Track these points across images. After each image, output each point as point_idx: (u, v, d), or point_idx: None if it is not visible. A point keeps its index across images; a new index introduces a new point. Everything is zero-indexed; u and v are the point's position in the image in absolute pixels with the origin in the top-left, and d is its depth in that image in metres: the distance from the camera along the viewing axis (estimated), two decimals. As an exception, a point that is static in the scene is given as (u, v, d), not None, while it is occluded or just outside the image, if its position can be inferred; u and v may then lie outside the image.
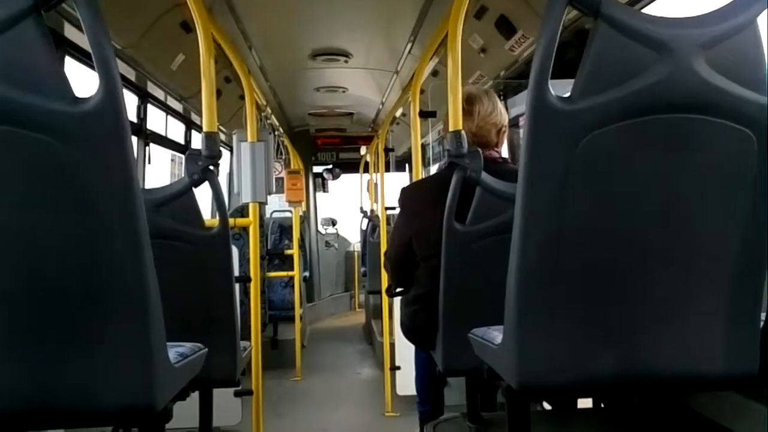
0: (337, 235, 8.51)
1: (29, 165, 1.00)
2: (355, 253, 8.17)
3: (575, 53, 1.05)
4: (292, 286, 5.11)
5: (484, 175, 1.73)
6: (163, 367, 1.12)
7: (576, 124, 1.04)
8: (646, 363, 1.13)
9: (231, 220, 2.16)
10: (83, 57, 2.67)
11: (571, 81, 1.06)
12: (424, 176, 2.98)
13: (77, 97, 0.99)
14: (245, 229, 3.91)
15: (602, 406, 2.02)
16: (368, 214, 6.28)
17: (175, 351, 1.25)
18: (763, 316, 1.17)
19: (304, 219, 6.87)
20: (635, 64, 1.04)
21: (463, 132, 1.77)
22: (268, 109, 4.62)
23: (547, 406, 2.33)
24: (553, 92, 1.04)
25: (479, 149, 1.76)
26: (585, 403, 2.02)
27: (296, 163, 5.91)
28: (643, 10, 2.34)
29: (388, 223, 4.02)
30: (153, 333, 1.07)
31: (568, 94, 1.05)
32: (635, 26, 1.03)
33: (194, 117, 4.54)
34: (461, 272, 1.76)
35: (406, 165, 7.74)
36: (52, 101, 0.97)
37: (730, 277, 1.12)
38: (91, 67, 0.99)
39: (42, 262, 1.04)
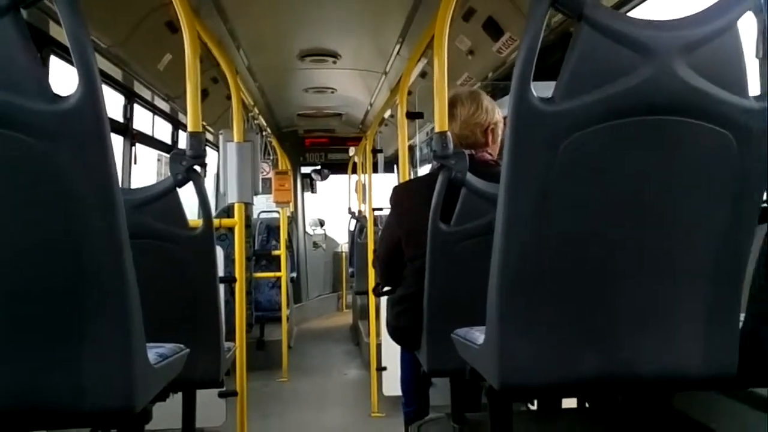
0: (325, 235, 8.50)
1: (7, 164, 0.99)
2: (343, 254, 8.16)
3: (561, 56, 1.06)
4: (280, 287, 5.09)
5: (470, 176, 1.73)
6: (142, 368, 1.11)
7: (558, 126, 1.05)
8: (627, 363, 1.14)
9: (216, 221, 2.15)
10: (69, 56, 2.65)
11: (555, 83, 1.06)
12: (411, 177, 2.98)
13: (56, 95, 0.98)
14: (231, 229, 3.90)
15: (586, 405, 2.03)
16: (356, 215, 6.28)
17: (155, 352, 1.24)
18: (741, 317, 1.18)
19: (292, 220, 6.86)
20: (617, 66, 1.04)
21: (449, 133, 1.77)
22: (256, 110, 4.61)
23: (532, 406, 2.34)
24: (535, 93, 1.04)
25: (464, 150, 1.77)
26: (570, 403, 2.03)
27: (284, 163, 5.90)
28: (630, 14, 2.36)
29: (375, 224, 4.01)
30: (132, 333, 1.06)
31: (550, 96, 1.06)
32: (618, 29, 1.04)
33: (181, 117, 4.52)
34: (445, 273, 1.76)
35: (395, 166, 7.75)
36: (30, 100, 0.96)
37: (709, 278, 1.13)
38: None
39: (20, 261, 1.03)
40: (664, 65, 1.04)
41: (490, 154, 2.05)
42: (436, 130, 1.81)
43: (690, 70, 1.05)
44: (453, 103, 2.00)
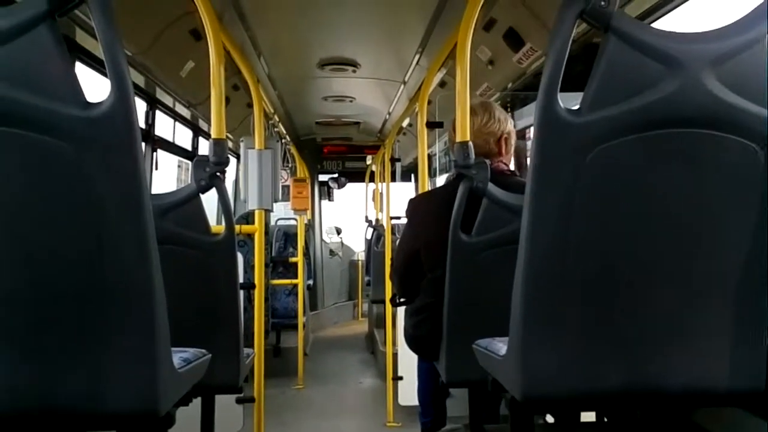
0: (342, 243, 8.51)
1: (40, 168, 1.01)
2: (360, 262, 8.16)
3: (583, 67, 1.06)
4: (296, 294, 5.10)
5: (491, 186, 1.73)
6: (167, 372, 1.12)
7: (584, 137, 1.05)
8: (653, 376, 1.13)
9: (237, 227, 2.17)
10: (94, 63, 2.69)
11: (579, 94, 1.06)
12: (430, 187, 2.99)
13: (89, 102, 1.00)
14: (250, 236, 3.92)
15: (605, 420, 2.01)
16: (373, 223, 6.29)
17: (179, 356, 1.25)
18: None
19: (309, 227, 6.87)
20: (645, 78, 1.04)
21: (470, 143, 1.77)
22: (276, 117, 4.64)
23: (550, 419, 2.32)
24: (562, 105, 1.04)
25: (486, 160, 1.77)
26: (588, 416, 2.01)
27: (302, 171, 5.92)
28: (653, 25, 2.35)
29: (393, 233, 4.02)
30: (158, 337, 1.08)
31: (576, 107, 1.05)
32: (645, 41, 1.04)
33: (202, 124, 4.56)
34: (466, 283, 1.76)
35: (412, 175, 7.75)
36: (64, 105, 0.98)
37: (736, 292, 1.12)
38: (102, 72, 1.01)
39: (50, 265, 1.04)
40: (692, 78, 1.03)
41: (505, 164, 2.06)
42: (458, 139, 1.81)
43: (718, 83, 1.04)
44: None
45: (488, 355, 1.36)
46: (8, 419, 1.08)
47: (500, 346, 1.29)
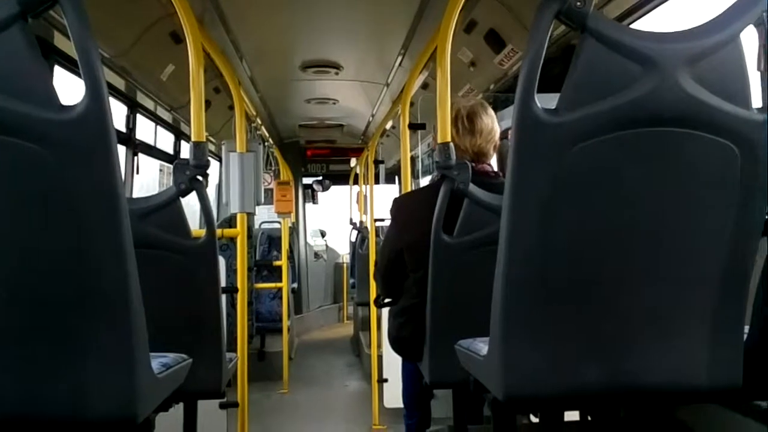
0: (326, 246, 8.49)
1: (13, 171, 0.99)
2: (344, 265, 8.15)
3: (562, 68, 1.06)
4: (281, 298, 5.08)
5: (472, 187, 1.74)
6: (145, 377, 1.11)
7: (562, 136, 1.05)
8: (632, 375, 1.13)
9: (218, 231, 2.15)
10: (73, 66, 2.66)
11: (557, 95, 1.06)
12: (413, 188, 2.99)
13: (63, 105, 0.98)
14: (233, 239, 3.90)
15: (589, 419, 2.02)
16: (357, 225, 6.28)
17: (158, 361, 1.24)
18: (746, 329, 1.18)
19: (293, 230, 6.86)
20: (621, 77, 1.04)
21: (451, 144, 1.78)
22: (258, 120, 4.62)
23: (534, 419, 2.33)
24: (539, 104, 1.05)
25: (467, 162, 1.77)
26: (572, 416, 2.02)
27: (286, 174, 5.90)
28: (632, 26, 2.37)
29: (377, 235, 4.02)
30: (136, 342, 1.06)
31: (554, 107, 1.06)
32: (621, 40, 1.04)
33: (183, 127, 4.53)
34: (448, 283, 1.76)
35: (396, 177, 7.75)
36: (37, 108, 0.97)
37: (714, 290, 1.13)
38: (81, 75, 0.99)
39: (25, 270, 1.03)
40: (667, 77, 1.04)
41: (490, 165, 2.06)
42: (439, 140, 1.81)
43: (693, 82, 1.05)
44: (472, 118, 2.00)
45: (470, 355, 1.36)
46: None
47: (481, 346, 1.29)
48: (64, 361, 1.05)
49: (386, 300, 2.23)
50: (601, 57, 1.04)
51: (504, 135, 3.84)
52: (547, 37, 1.04)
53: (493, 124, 2.05)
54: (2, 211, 1.01)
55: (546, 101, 1.06)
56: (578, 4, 1.02)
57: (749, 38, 1.14)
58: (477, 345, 1.34)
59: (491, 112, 2.07)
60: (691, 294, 1.14)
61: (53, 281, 1.03)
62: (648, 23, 2.44)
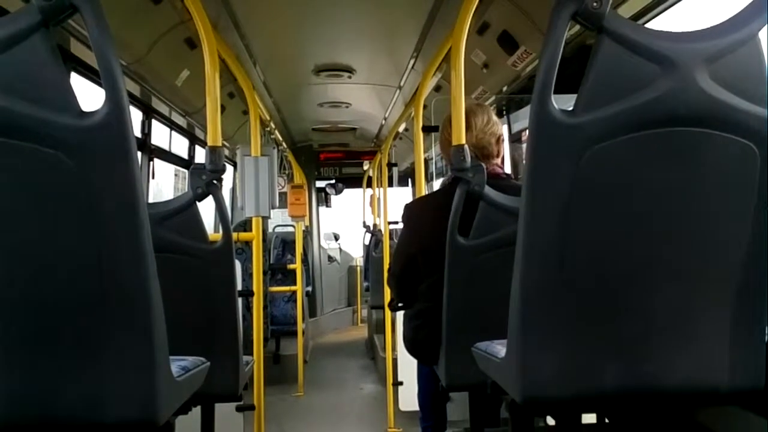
0: (340, 249, 8.50)
1: (36, 178, 1.00)
2: (358, 268, 8.16)
3: (577, 68, 1.06)
4: (295, 301, 5.10)
5: (487, 189, 1.74)
6: (165, 381, 1.11)
7: (579, 137, 1.05)
8: (651, 376, 1.13)
9: (234, 235, 2.17)
10: (89, 73, 2.69)
11: (573, 96, 1.06)
12: (427, 191, 2.99)
13: (84, 111, 1.00)
14: (248, 243, 3.91)
15: (606, 421, 2.00)
16: (371, 228, 6.29)
17: (177, 364, 1.25)
18: (768, 329, 1.17)
19: (307, 234, 6.88)
20: (638, 78, 1.04)
21: (466, 146, 1.78)
22: (272, 124, 4.64)
23: (551, 421, 2.31)
24: (556, 105, 1.05)
25: (482, 163, 1.77)
26: (589, 418, 2.01)
27: (299, 177, 5.92)
28: (647, 25, 2.36)
29: (390, 238, 4.01)
30: (156, 346, 1.07)
31: (570, 108, 1.06)
32: (638, 41, 1.04)
33: (198, 132, 4.57)
34: (464, 286, 1.76)
35: (409, 180, 7.75)
36: (59, 115, 0.98)
37: (734, 290, 1.12)
38: (97, 82, 1.00)
39: (47, 274, 1.04)
40: (685, 77, 1.04)
41: (501, 167, 2.06)
42: (454, 142, 1.81)
43: (712, 82, 1.05)
44: (467, 114, 2.01)
45: (487, 357, 1.35)
46: (7, 428, 1.07)
47: (499, 348, 1.29)
48: (85, 364, 1.06)
49: (400, 304, 2.23)
50: (618, 57, 1.04)
51: (516, 138, 3.83)
52: (564, 38, 1.04)
53: (490, 119, 2.05)
54: (23, 217, 1.02)
55: (560, 102, 1.06)
56: (595, 4, 1.02)
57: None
58: (494, 347, 1.33)
59: (489, 111, 2.08)
60: (710, 294, 1.13)
61: (75, 285, 1.04)
62: (661, 23, 2.43)
